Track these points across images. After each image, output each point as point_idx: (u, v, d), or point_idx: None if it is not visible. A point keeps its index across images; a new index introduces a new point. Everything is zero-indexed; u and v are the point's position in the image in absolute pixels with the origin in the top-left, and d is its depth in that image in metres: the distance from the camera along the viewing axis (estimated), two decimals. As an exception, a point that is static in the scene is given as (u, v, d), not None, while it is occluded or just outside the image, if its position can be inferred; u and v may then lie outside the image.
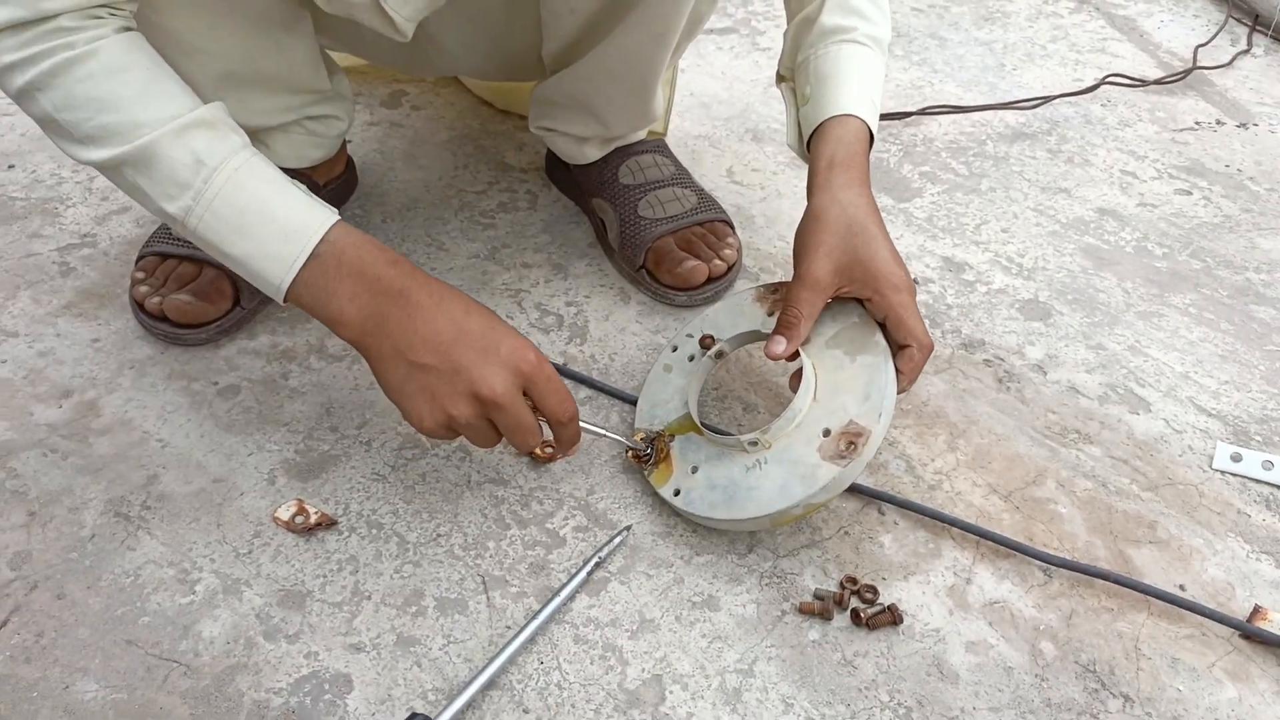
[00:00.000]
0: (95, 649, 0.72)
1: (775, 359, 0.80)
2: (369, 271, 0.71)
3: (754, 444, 0.79)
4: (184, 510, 0.81)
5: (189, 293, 0.93)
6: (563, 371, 0.94)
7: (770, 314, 0.87)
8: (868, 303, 0.81)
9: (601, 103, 1.00)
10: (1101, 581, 0.79)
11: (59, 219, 1.09)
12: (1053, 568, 0.80)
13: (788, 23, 0.93)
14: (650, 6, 0.88)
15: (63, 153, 0.75)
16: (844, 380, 0.79)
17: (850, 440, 0.76)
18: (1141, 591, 0.78)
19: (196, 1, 0.80)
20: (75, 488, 0.82)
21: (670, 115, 1.19)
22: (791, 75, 0.92)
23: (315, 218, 0.71)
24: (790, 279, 0.83)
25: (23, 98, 0.70)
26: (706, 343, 0.89)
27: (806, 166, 0.87)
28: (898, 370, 0.79)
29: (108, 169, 0.71)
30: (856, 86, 0.86)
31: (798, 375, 0.82)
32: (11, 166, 1.16)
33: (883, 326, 0.81)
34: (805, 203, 0.84)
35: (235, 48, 0.85)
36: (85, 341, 0.95)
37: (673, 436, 0.84)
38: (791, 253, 0.84)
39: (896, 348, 0.80)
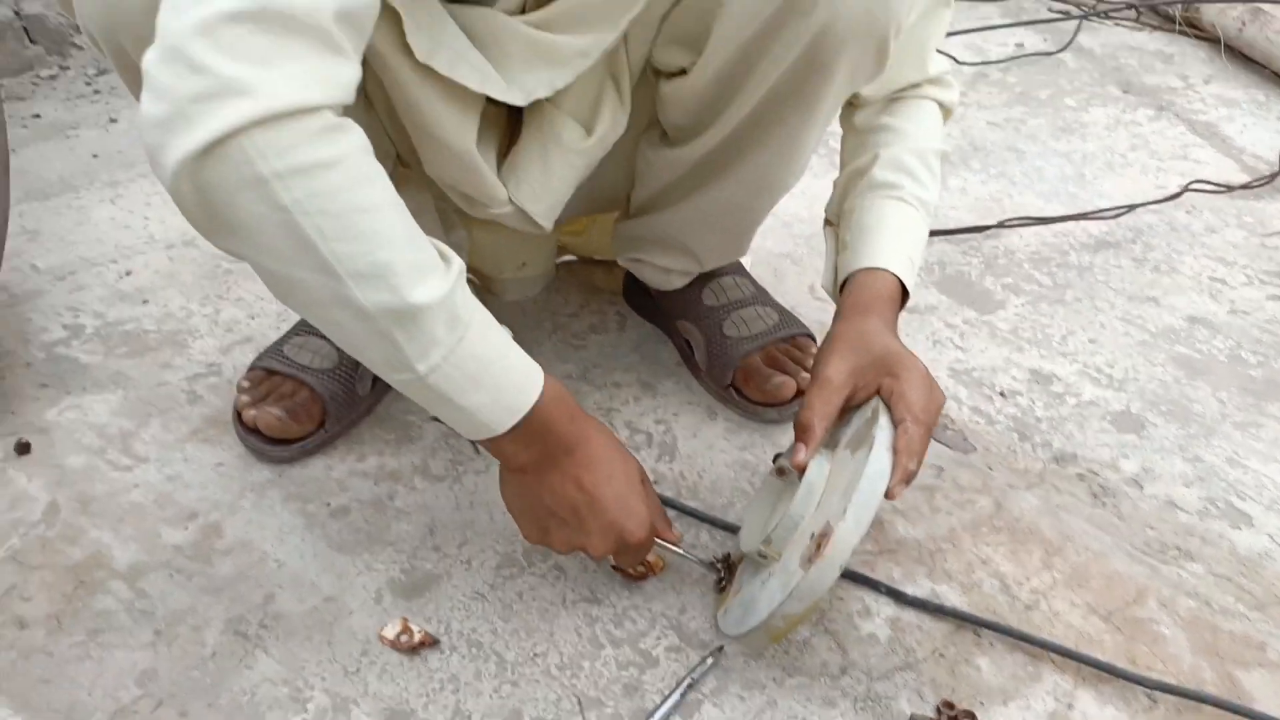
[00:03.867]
0: (215, 765, 0.75)
1: (799, 468, 0.77)
2: (553, 429, 0.75)
3: (762, 555, 0.77)
4: (298, 629, 0.85)
5: (282, 409, 0.99)
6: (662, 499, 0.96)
7: None
8: (880, 393, 0.79)
9: (696, 244, 1.04)
10: (1210, 707, 0.76)
11: (187, 350, 1.17)
12: (1158, 692, 0.78)
13: (839, 170, 0.96)
14: (755, 164, 0.91)
15: (281, 291, 0.66)
16: (843, 480, 0.74)
17: (819, 543, 0.71)
18: (1253, 718, 0.75)
19: None
20: (199, 607, 0.87)
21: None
22: (837, 221, 0.95)
23: (534, 371, 0.74)
24: None
25: (266, 222, 0.58)
26: (776, 460, 0.89)
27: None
28: (895, 452, 0.73)
29: (367, 315, 0.62)
30: (894, 241, 0.87)
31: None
32: (146, 301, 1.26)
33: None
34: None
35: None
36: (210, 465, 1.01)
37: (742, 559, 0.85)
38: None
39: (895, 427, 0.75)
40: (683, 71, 0.87)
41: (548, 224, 0.88)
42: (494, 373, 0.70)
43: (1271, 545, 0.90)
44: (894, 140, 0.91)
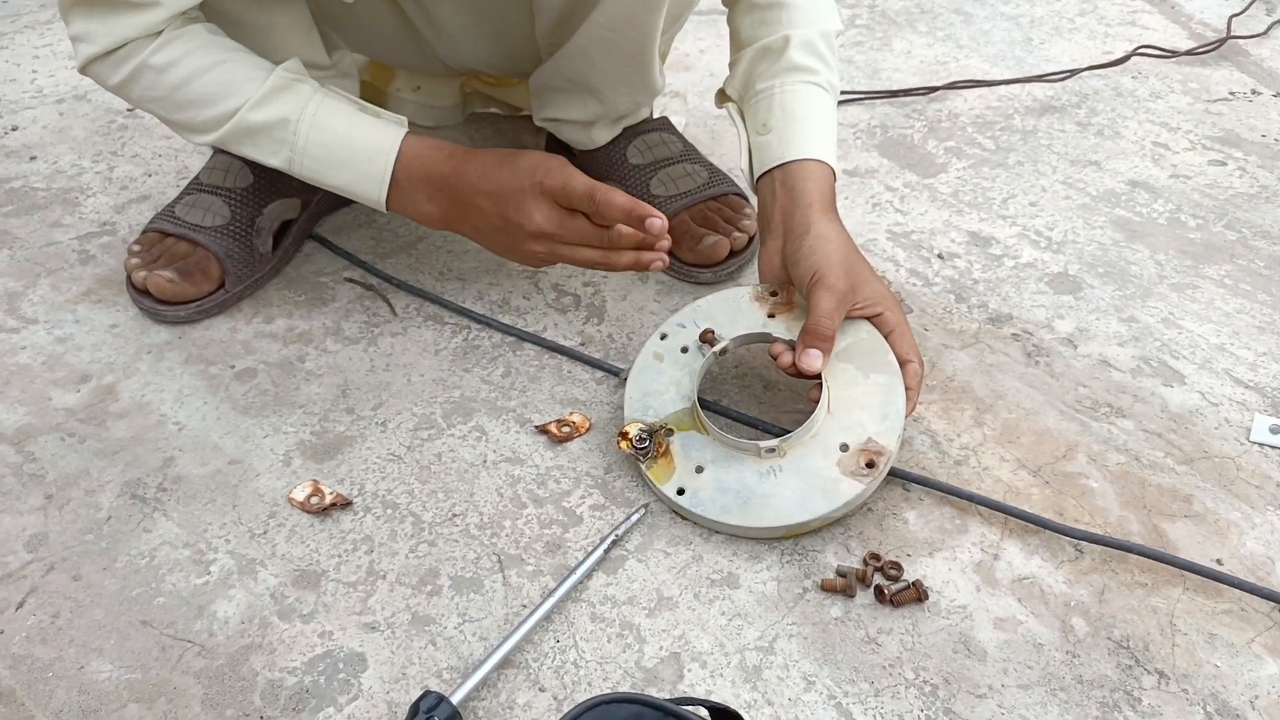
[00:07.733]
0: (110, 630, 0.72)
1: (808, 373, 0.79)
2: (431, 176, 0.85)
3: (771, 451, 0.78)
4: (200, 492, 0.81)
5: (174, 270, 0.94)
6: (562, 349, 0.94)
7: (771, 315, 0.85)
8: (876, 319, 0.82)
9: (598, 79, 0.98)
10: (1135, 557, 0.76)
11: (79, 208, 1.09)
12: (1084, 543, 0.77)
13: (735, 49, 0.95)
14: None
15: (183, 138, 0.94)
16: (858, 396, 0.80)
17: (870, 459, 0.77)
18: (1176, 566, 0.75)
19: None
20: (92, 470, 0.82)
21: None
22: (739, 98, 0.94)
23: (388, 137, 0.85)
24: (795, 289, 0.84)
25: (138, 105, 0.86)
26: (708, 337, 0.86)
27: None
28: (906, 388, 0.80)
29: (220, 145, 0.86)
30: (824, 131, 0.89)
31: (818, 384, 0.80)
32: (34, 158, 1.17)
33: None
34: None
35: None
36: (104, 327, 0.95)
37: (671, 432, 0.82)
38: (790, 268, 0.84)
39: (900, 363, 0.81)
40: None
41: None
42: (343, 152, 0.84)
43: (1202, 402, 0.89)
44: (801, 20, 0.91)
